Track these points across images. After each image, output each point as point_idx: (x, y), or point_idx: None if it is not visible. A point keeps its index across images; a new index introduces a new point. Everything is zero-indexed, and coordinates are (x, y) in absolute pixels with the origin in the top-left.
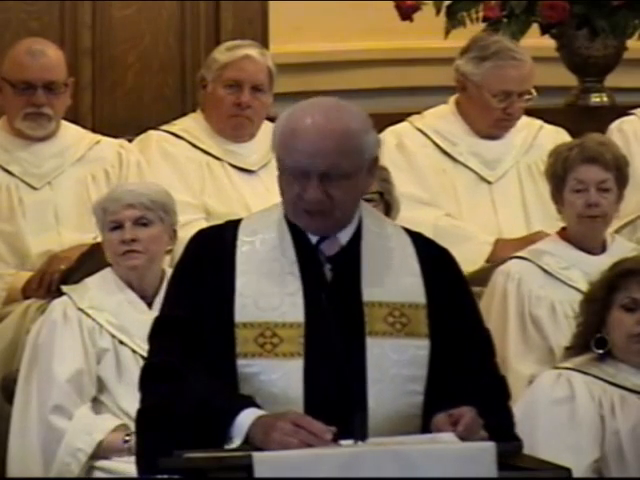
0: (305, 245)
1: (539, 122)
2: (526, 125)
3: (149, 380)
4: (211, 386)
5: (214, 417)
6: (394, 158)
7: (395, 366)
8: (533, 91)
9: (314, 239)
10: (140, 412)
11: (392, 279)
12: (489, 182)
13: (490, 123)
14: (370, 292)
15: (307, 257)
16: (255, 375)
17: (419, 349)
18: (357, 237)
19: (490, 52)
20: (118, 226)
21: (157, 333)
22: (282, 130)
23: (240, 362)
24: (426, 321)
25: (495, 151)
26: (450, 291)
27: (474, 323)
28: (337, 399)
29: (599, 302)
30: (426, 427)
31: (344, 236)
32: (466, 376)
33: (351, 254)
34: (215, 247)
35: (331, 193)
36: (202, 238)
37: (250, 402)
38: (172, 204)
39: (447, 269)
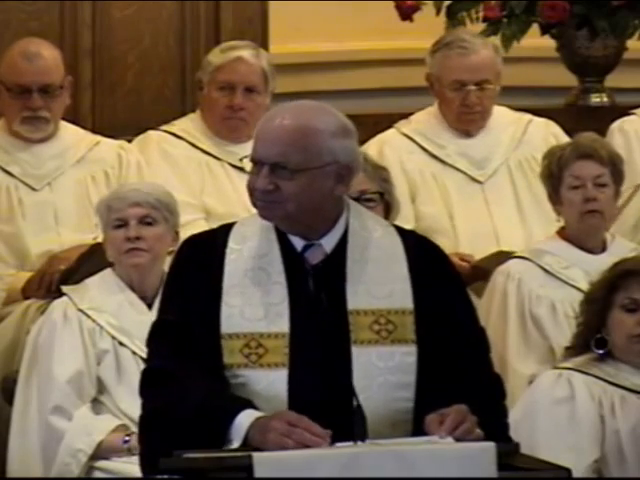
0: (291, 253)
1: (528, 116)
2: (515, 121)
3: (147, 385)
4: (208, 388)
5: (213, 419)
6: None
7: (382, 374)
8: (493, 81)
9: (299, 247)
10: (141, 417)
11: (378, 285)
12: (480, 182)
13: (453, 117)
14: (355, 300)
15: (293, 266)
16: (241, 386)
17: (406, 355)
18: (343, 243)
19: (442, 43)
20: (122, 224)
21: (153, 337)
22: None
23: (227, 373)
24: (413, 327)
25: (483, 150)
26: (441, 291)
27: (467, 322)
28: (322, 409)
29: (599, 302)
30: (417, 433)
31: (328, 243)
32: (459, 378)
33: (336, 261)
34: (205, 254)
35: (280, 185)
36: (193, 244)
37: (248, 403)
38: (175, 206)
39: (438, 268)
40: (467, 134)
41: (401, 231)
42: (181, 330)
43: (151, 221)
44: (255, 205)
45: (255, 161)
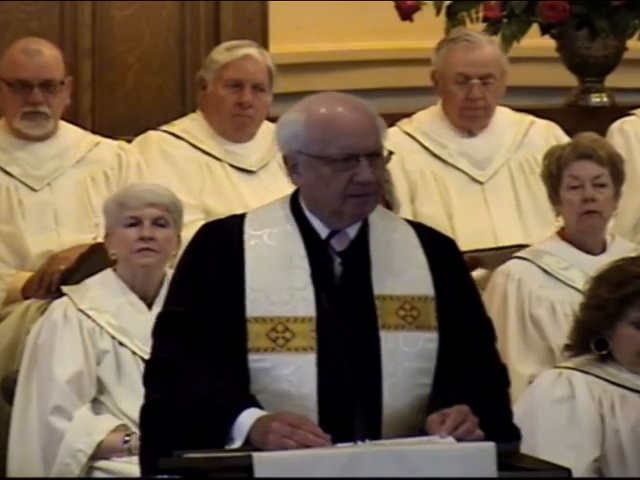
0: (314, 240)
1: (530, 117)
2: (517, 122)
3: (152, 376)
4: (212, 384)
5: (215, 417)
6: None
7: (407, 359)
8: (498, 78)
9: (324, 234)
10: (143, 408)
11: (401, 272)
12: (480, 182)
13: (457, 113)
14: (381, 286)
15: (317, 252)
16: (267, 370)
17: (429, 342)
18: (364, 231)
19: (447, 40)
20: (135, 223)
21: (160, 329)
22: (313, 125)
23: (252, 357)
24: (435, 313)
25: (485, 150)
26: (456, 281)
27: (479, 312)
28: (351, 393)
29: (609, 312)
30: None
31: (352, 230)
32: (470, 366)
33: (360, 248)
34: (222, 241)
35: (376, 174)
36: (208, 232)
37: (251, 401)
38: (182, 209)
39: (452, 259)
40: (469, 133)
41: (410, 222)
42: (192, 322)
43: (164, 223)
44: (341, 207)
45: (344, 157)
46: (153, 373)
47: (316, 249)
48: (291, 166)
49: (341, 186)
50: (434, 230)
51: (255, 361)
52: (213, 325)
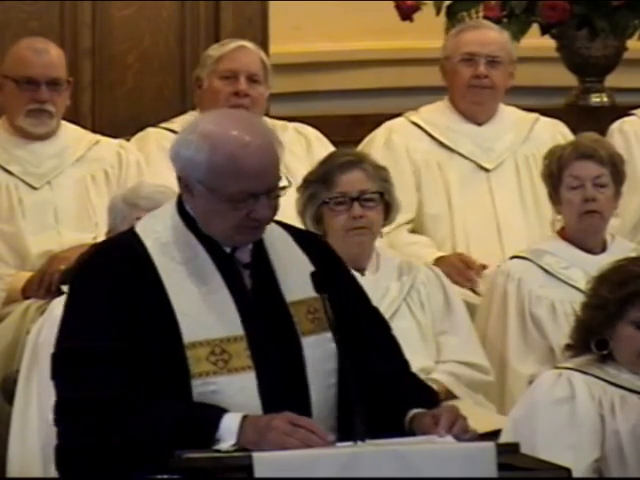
0: (220, 255)
1: (535, 115)
2: (522, 118)
3: (107, 414)
4: (179, 405)
5: (196, 431)
6: (379, 156)
7: (322, 362)
8: (505, 62)
9: (228, 248)
10: (101, 450)
11: (296, 275)
12: (487, 170)
13: (462, 93)
14: (290, 292)
15: (224, 267)
16: (213, 393)
17: (330, 341)
18: (259, 240)
19: (456, 28)
20: None
21: (76, 366)
22: (217, 160)
23: (196, 382)
24: (330, 311)
25: (491, 139)
26: (339, 276)
27: (368, 302)
28: (292, 405)
29: (610, 312)
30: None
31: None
32: (374, 354)
33: (261, 258)
34: (133, 266)
35: (272, 205)
36: (112, 258)
37: (223, 409)
38: None
39: (327, 254)
40: (476, 122)
41: (279, 223)
42: (127, 354)
43: None
44: (235, 236)
45: (243, 195)
46: (91, 412)
47: (224, 264)
48: (184, 186)
49: (236, 220)
50: (297, 227)
51: (200, 386)
52: (150, 354)
